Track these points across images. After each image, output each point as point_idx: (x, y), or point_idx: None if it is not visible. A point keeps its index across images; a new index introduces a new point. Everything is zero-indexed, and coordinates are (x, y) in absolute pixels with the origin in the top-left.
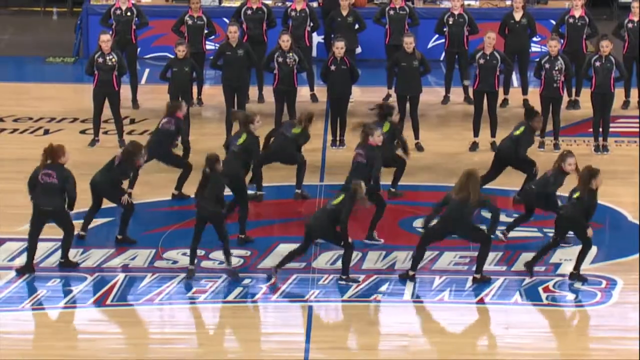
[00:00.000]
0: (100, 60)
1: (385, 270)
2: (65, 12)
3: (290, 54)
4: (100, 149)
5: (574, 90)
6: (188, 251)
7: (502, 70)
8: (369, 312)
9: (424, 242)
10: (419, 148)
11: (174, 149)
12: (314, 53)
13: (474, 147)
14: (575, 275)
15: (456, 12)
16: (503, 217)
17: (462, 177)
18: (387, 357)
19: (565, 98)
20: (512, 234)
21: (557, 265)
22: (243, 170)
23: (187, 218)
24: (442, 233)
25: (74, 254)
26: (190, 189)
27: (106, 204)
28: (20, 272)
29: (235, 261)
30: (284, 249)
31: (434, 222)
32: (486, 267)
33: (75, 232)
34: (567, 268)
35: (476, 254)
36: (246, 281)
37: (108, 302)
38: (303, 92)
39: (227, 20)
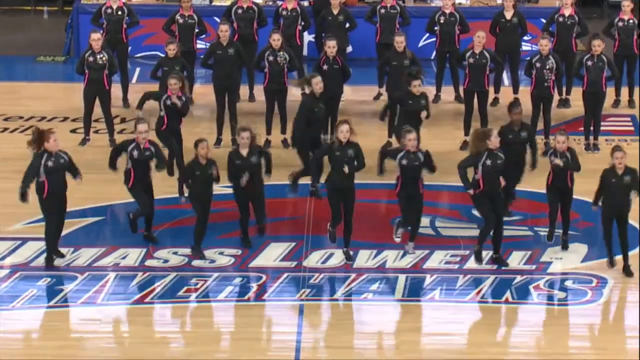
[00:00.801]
0: (91, 59)
1: (375, 268)
2: (56, 11)
3: (281, 53)
4: (91, 148)
5: (564, 89)
6: (178, 250)
7: (492, 69)
8: (360, 311)
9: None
10: None
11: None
12: (305, 52)
13: (465, 145)
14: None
15: (447, 11)
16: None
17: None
18: (378, 356)
19: (556, 97)
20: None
21: (548, 264)
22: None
23: (178, 217)
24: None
25: (64, 252)
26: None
27: (97, 202)
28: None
29: (225, 260)
30: (275, 247)
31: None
32: (476, 266)
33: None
34: (558, 267)
35: (467, 252)
36: (237, 280)
37: (99, 301)
38: (294, 90)
39: (217, 19)
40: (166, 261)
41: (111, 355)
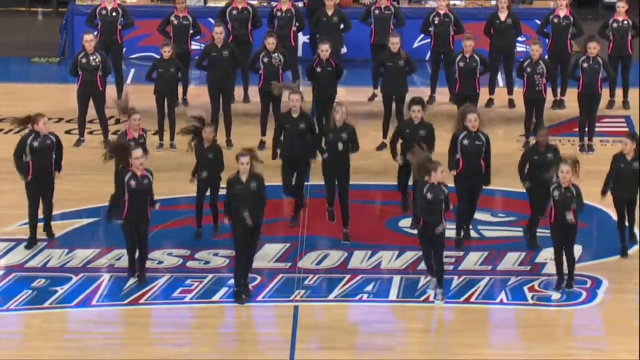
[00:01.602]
0: (84, 60)
1: (370, 269)
2: (50, 12)
3: (276, 54)
4: (85, 149)
5: (559, 90)
6: (173, 251)
7: (482, 72)
8: (355, 312)
9: None
10: None
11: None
12: (300, 53)
13: None
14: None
15: (442, 12)
16: (487, 217)
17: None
18: (373, 356)
19: (550, 98)
20: (496, 233)
21: (542, 265)
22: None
23: (172, 219)
24: None
25: (59, 254)
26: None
27: (93, 203)
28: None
29: (220, 261)
30: (270, 249)
31: None
32: (471, 267)
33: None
34: (552, 268)
35: (461, 254)
36: (232, 281)
37: (93, 302)
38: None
39: (212, 21)
40: (161, 262)
41: (106, 356)
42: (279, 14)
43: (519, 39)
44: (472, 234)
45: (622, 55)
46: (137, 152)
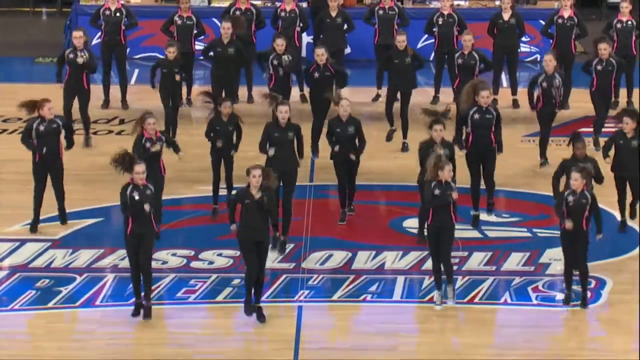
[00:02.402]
0: (71, 56)
1: (374, 270)
2: (54, 13)
3: (285, 57)
4: (91, 149)
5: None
6: (177, 251)
7: (482, 70)
8: (359, 312)
9: None
10: (405, 148)
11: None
12: (304, 53)
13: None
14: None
15: (445, 12)
16: (491, 218)
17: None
18: (377, 357)
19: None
20: (500, 234)
21: (547, 266)
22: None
23: (176, 219)
24: None
25: (63, 254)
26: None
27: (97, 204)
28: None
29: (224, 261)
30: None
31: None
32: (475, 267)
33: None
34: (557, 268)
35: (465, 254)
36: (236, 281)
37: (97, 302)
38: (292, 92)
39: (216, 21)
40: (165, 262)
41: (110, 356)
42: (283, 14)
43: (523, 39)
44: (476, 234)
45: (626, 56)
46: (140, 167)
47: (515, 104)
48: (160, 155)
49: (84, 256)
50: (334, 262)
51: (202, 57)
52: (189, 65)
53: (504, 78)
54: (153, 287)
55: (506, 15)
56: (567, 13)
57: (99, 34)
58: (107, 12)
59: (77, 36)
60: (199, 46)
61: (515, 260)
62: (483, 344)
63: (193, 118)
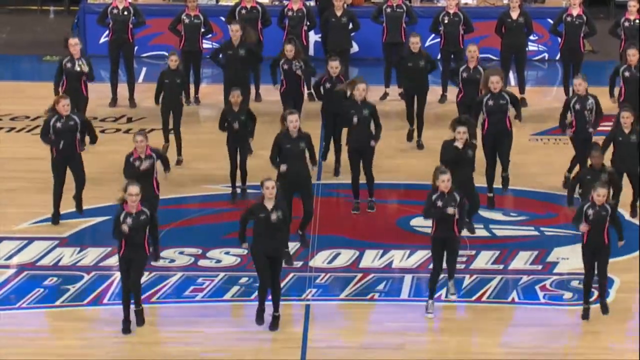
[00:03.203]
0: (69, 65)
1: (382, 268)
2: (62, 11)
3: (296, 62)
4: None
5: (571, 88)
6: (185, 250)
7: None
8: (366, 311)
9: None
10: (420, 146)
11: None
12: (311, 52)
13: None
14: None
15: (451, 11)
16: (499, 216)
17: None
18: (384, 356)
19: (562, 97)
20: (508, 232)
21: (554, 264)
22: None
23: (184, 217)
24: None
25: (70, 252)
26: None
27: (104, 202)
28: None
29: (232, 260)
30: None
31: None
32: (483, 266)
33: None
34: (564, 267)
35: (473, 252)
36: (243, 280)
37: (105, 300)
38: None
39: (224, 19)
40: (172, 261)
41: (118, 355)
42: (290, 13)
43: (531, 37)
44: (484, 232)
45: None
46: (133, 189)
47: (523, 103)
48: (153, 174)
49: (92, 254)
50: (342, 260)
51: (209, 57)
52: (197, 63)
53: (511, 77)
54: (160, 286)
55: (514, 14)
56: (576, 11)
57: (107, 32)
58: (115, 11)
59: (73, 43)
60: (206, 44)
61: (522, 259)
62: (490, 343)
63: (201, 117)
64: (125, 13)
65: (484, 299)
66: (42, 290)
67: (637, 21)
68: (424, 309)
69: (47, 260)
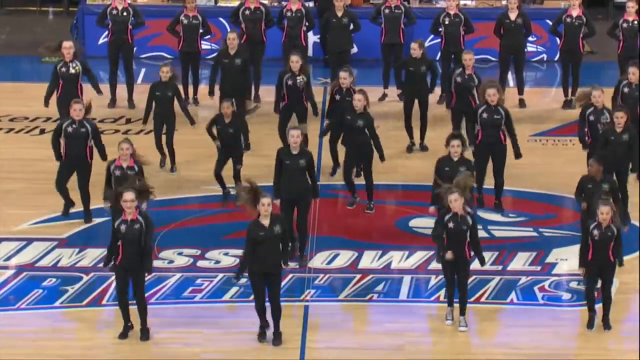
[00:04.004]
0: (64, 69)
1: (381, 269)
2: (61, 12)
3: (300, 78)
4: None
5: (570, 89)
6: (183, 251)
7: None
8: (365, 311)
9: None
10: (424, 148)
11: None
12: (310, 53)
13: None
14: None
15: (452, 12)
16: (498, 217)
17: None
18: (383, 356)
19: (562, 98)
20: (507, 233)
21: (553, 265)
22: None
23: (183, 218)
24: None
25: (69, 253)
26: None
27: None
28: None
29: (231, 261)
30: None
31: None
32: (481, 267)
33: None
34: (563, 267)
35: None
36: (242, 280)
37: (104, 302)
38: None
39: (222, 20)
40: (171, 262)
41: (116, 356)
42: (289, 14)
43: (530, 38)
44: (483, 234)
45: (632, 56)
46: (128, 195)
47: (522, 104)
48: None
49: (91, 255)
50: (341, 261)
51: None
52: (195, 64)
53: (510, 78)
54: (159, 287)
55: (513, 15)
56: (575, 12)
57: (106, 33)
58: (114, 12)
59: (67, 47)
60: (205, 45)
61: (521, 260)
62: (489, 344)
63: (199, 117)
64: (125, 14)
65: (482, 299)
66: (41, 291)
67: (635, 22)
68: (422, 309)
69: (46, 261)
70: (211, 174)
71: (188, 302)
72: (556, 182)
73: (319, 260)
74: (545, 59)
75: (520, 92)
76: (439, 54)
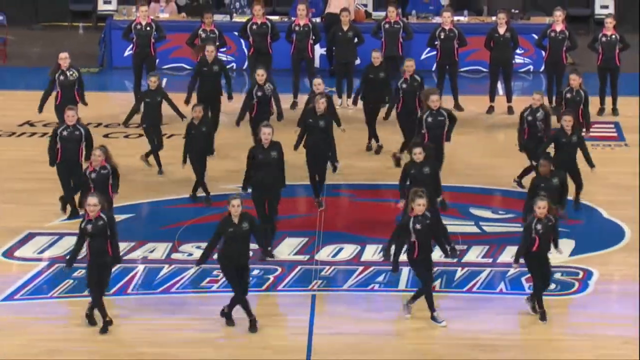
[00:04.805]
0: (62, 78)
1: (381, 262)
2: (90, 27)
3: (267, 85)
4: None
5: (554, 98)
6: (202, 244)
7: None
8: (367, 300)
9: None
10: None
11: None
12: (317, 64)
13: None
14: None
15: (447, 27)
16: (489, 214)
17: None
18: (384, 341)
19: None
20: (496, 229)
21: None
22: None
23: (201, 214)
24: None
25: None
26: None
27: (128, 201)
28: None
29: None
30: (289, 242)
31: None
32: (473, 259)
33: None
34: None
35: (465, 247)
36: (255, 272)
37: (129, 290)
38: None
39: (237, 34)
40: (190, 254)
41: (140, 340)
42: (297, 28)
43: (517, 51)
44: (474, 229)
45: (610, 67)
46: (93, 199)
47: (510, 111)
48: (107, 182)
49: None
50: (345, 254)
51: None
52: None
53: (500, 87)
54: (178, 278)
55: (501, 30)
56: (559, 27)
57: (131, 46)
58: (139, 27)
59: (63, 57)
60: (220, 56)
61: (510, 253)
62: (481, 330)
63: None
64: (148, 29)
65: (474, 289)
66: (71, 281)
67: (614, 36)
68: (420, 298)
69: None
70: (225, 173)
71: (206, 291)
72: None
73: (325, 253)
74: (531, 69)
75: (509, 100)
76: (435, 65)
